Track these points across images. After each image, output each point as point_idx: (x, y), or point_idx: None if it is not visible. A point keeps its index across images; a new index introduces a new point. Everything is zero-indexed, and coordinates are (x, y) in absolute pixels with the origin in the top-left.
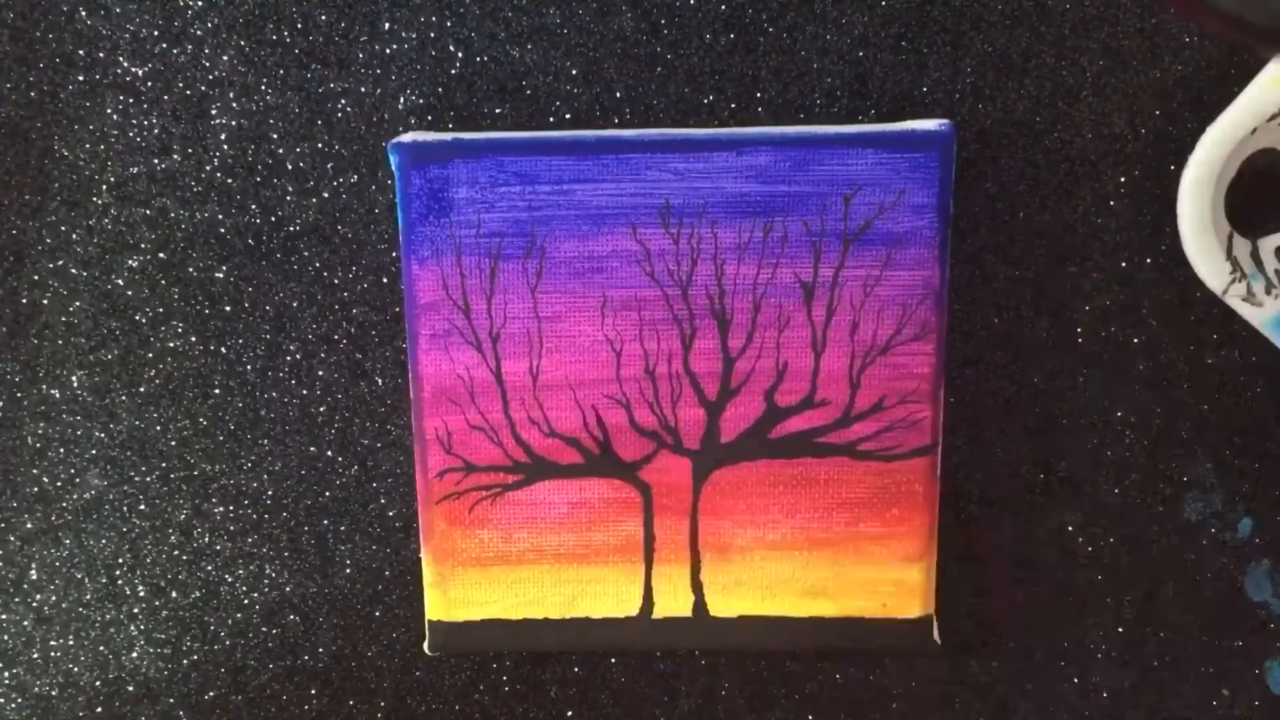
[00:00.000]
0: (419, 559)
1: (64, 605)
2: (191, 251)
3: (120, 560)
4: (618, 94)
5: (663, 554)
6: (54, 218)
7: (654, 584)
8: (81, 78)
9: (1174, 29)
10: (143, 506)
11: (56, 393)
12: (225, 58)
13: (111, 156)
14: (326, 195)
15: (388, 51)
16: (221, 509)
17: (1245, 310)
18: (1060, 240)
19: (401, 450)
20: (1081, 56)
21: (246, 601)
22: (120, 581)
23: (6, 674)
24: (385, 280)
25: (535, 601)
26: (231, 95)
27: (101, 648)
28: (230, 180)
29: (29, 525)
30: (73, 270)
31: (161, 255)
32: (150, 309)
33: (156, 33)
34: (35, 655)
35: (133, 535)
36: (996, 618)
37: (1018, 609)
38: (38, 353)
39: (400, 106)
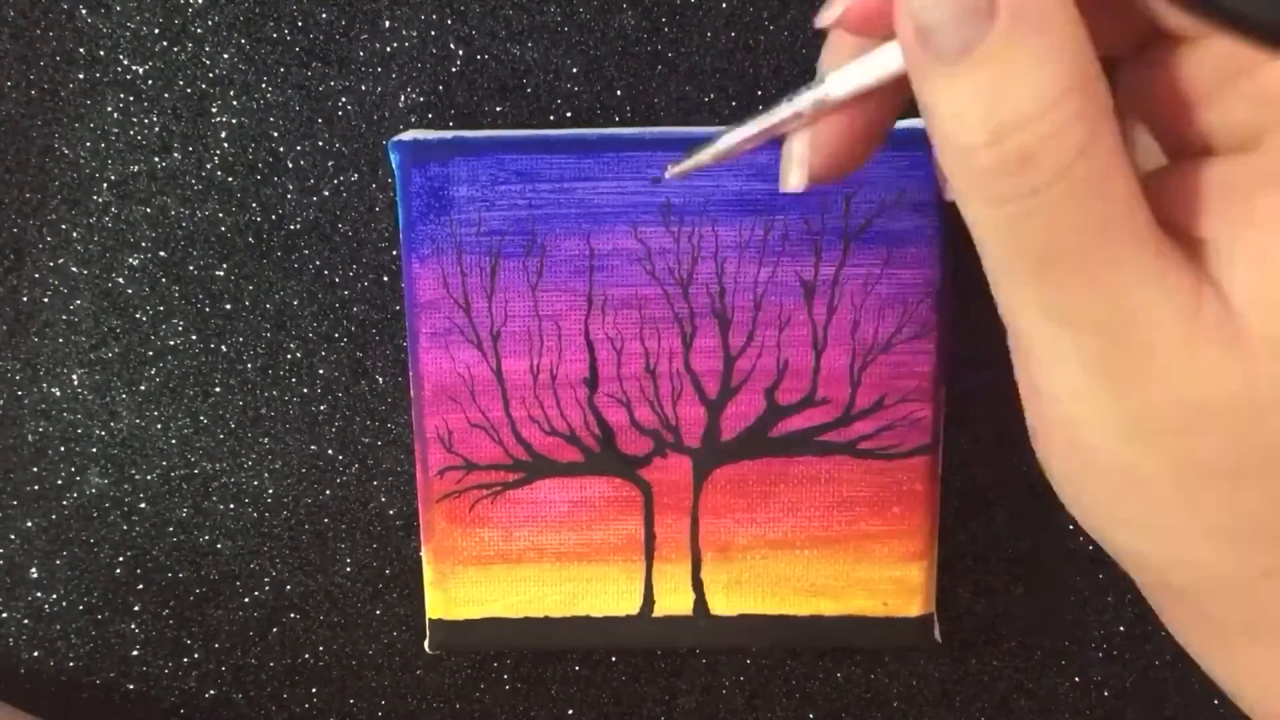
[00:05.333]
0: (419, 558)
1: (64, 605)
2: (192, 250)
3: (120, 560)
4: (618, 92)
5: (663, 552)
6: (54, 216)
7: (654, 582)
8: (82, 76)
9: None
10: (143, 506)
11: (57, 391)
12: (226, 56)
13: (112, 154)
14: (327, 193)
15: (388, 49)
16: (222, 508)
17: None
18: None
19: (402, 449)
20: None
21: (246, 601)
22: (120, 581)
23: (6, 673)
24: (386, 278)
25: (536, 600)
26: (232, 93)
27: (101, 647)
28: (231, 178)
29: (29, 525)
30: (73, 268)
31: (162, 253)
32: (151, 307)
33: (157, 31)
34: (35, 654)
35: (133, 535)
36: (996, 617)
37: (1018, 608)
38: (38, 351)
39: (401, 104)
